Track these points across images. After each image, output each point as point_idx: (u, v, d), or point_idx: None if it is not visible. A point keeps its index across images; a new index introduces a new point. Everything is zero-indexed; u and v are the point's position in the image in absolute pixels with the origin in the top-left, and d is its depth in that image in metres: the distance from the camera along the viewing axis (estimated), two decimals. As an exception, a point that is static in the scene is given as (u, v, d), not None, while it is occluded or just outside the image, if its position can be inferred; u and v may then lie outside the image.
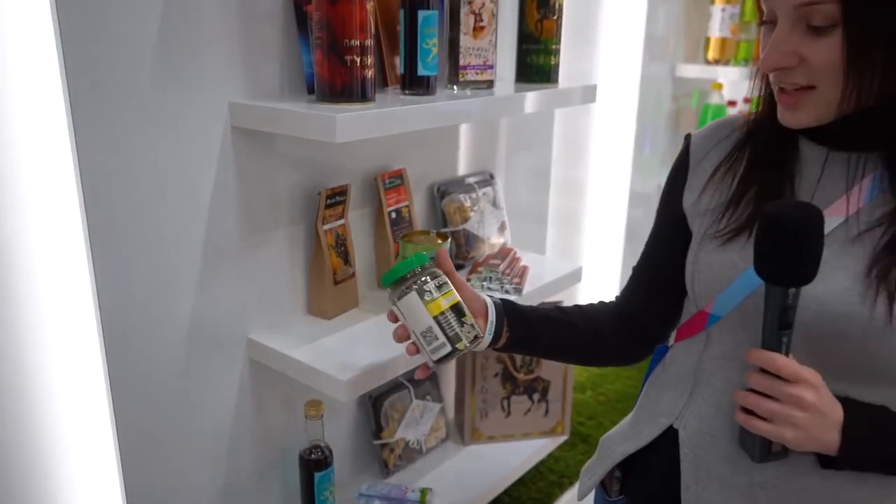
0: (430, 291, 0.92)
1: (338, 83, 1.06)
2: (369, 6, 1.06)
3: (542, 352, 1.05)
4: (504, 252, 1.61)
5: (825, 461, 0.79)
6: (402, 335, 0.96)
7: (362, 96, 1.08)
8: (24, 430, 1.07)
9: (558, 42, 1.45)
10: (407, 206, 1.47)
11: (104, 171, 1.01)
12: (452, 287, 0.94)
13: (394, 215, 1.44)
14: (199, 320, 1.18)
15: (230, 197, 1.18)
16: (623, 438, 0.98)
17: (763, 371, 0.76)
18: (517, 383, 1.72)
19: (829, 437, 0.76)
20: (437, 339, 0.91)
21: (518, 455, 1.72)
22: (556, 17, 1.43)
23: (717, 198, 0.88)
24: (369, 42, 1.07)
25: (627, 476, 0.99)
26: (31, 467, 1.09)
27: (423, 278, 0.92)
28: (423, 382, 1.64)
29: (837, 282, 0.76)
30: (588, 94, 1.55)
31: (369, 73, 1.08)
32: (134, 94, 1.02)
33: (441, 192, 1.58)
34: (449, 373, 1.77)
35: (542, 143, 1.92)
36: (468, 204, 1.60)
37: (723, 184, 0.88)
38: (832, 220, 0.77)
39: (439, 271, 0.95)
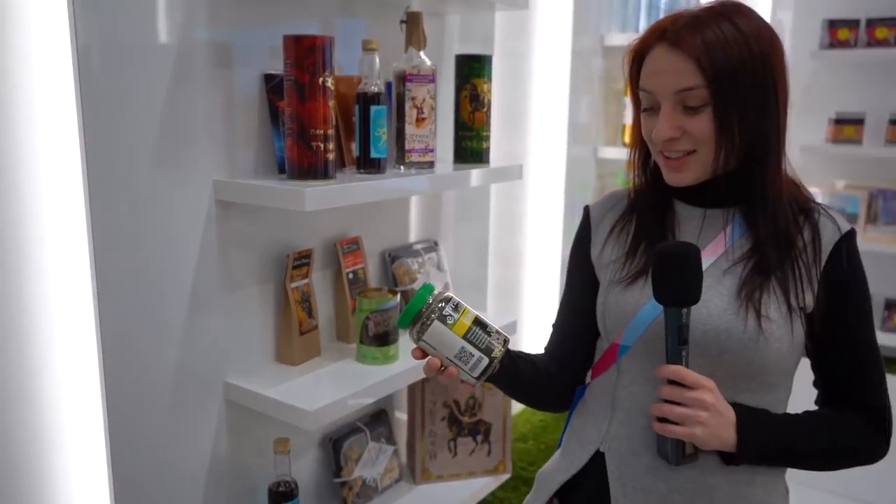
0: (450, 315, 0.93)
1: (305, 164, 1.31)
2: (331, 103, 1.32)
3: (516, 388, 1.10)
4: (447, 308, 1.85)
5: (727, 458, 0.96)
6: (435, 364, 0.95)
7: (325, 175, 1.33)
8: (29, 457, 1.24)
9: (488, 129, 1.74)
10: (363, 269, 1.71)
11: (111, 237, 1.23)
12: (465, 304, 0.97)
13: (351, 276, 1.67)
14: (183, 364, 1.38)
15: (213, 258, 1.40)
16: (557, 469, 1.10)
17: (670, 382, 0.92)
18: (462, 426, 1.92)
19: (728, 434, 0.92)
20: (472, 356, 0.93)
21: (465, 492, 1.91)
22: (485, 109, 1.72)
23: (616, 251, 1.08)
24: (331, 131, 1.33)
25: (564, 502, 1.10)
26: (33, 494, 1.25)
27: (440, 304, 0.94)
28: (378, 426, 1.83)
29: (716, 305, 0.95)
30: (515, 172, 1.84)
31: (331, 156, 1.34)
32: (137, 174, 1.25)
33: (392, 257, 1.82)
34: (402, 415, 1.97)
35: (480, 215, 2.19)
36: (415, 267, 1.85)
37: (619, 240, 1.09)
38: (707, 259, 0.99)
39: (449, 294, 0.97)
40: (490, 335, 0.94)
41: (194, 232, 1.36)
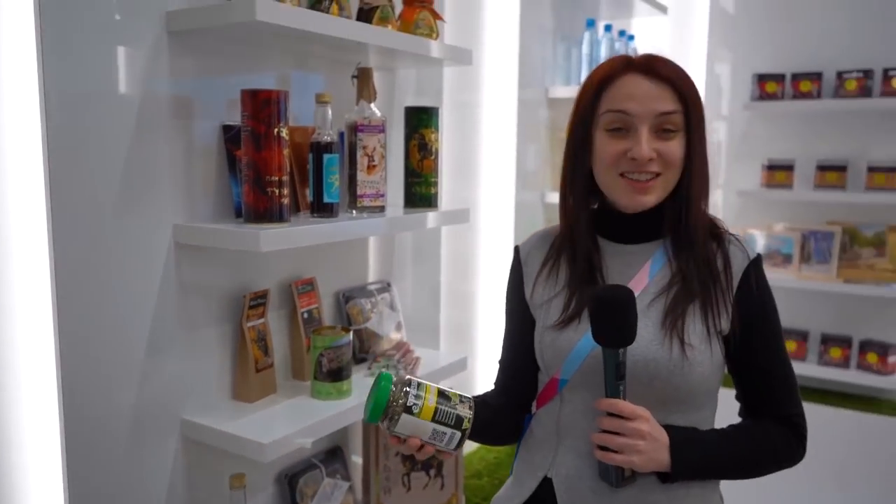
0: (415, 403, 0.96)
1: (261, 208, 1.40)
2: (285, 152, 1.42)
3: (478, 434, 1.12)
4: (399, 345, 1.93)
5: (663, 477, 1.04)
6: (415, 444, 0.99)
7: (280, 218, 1.42)
8: (-11, 497, 1.27)
9: (436, 176, 1.86)
10: (317, 308, 1.78)
11: (73, 278, 1.29)
12: (425, 382, 1.00)
13: (306, 315, 1.74)
14: (142, 402, 1.43)
15: (172, 299, 1.46)
16: (509, 496, 1.16)
17: (610, 414, 1.00)
18: (415, 460, 1.98)
19: (663, 456, 1.01)
20: (444, 433, 0.98)
21: (419, 527, 1.96)
22: (433, 157, 1.84)
23: (548, 291, 1.14)
24: (285, 178, 1.42)
25: None
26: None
27: (404, 392, 0.97)
28: (333, 463, 1.88)
29: (643, 337, 1.02)
30: (463, 215, 1.95)
31: (285, 201, 1.43)
32: (100, 218, 1.32)
33: (346, 297, 1.90)
34: (356, 453, 2.02)
35: (432, 257, 2.29)
36: (369, 307, 1.93)
37: (549, 280, 1.16)
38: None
39: (407, 377, 1.00)
40: (456, 407, 0.98)
41: (154, 274, 1.43)
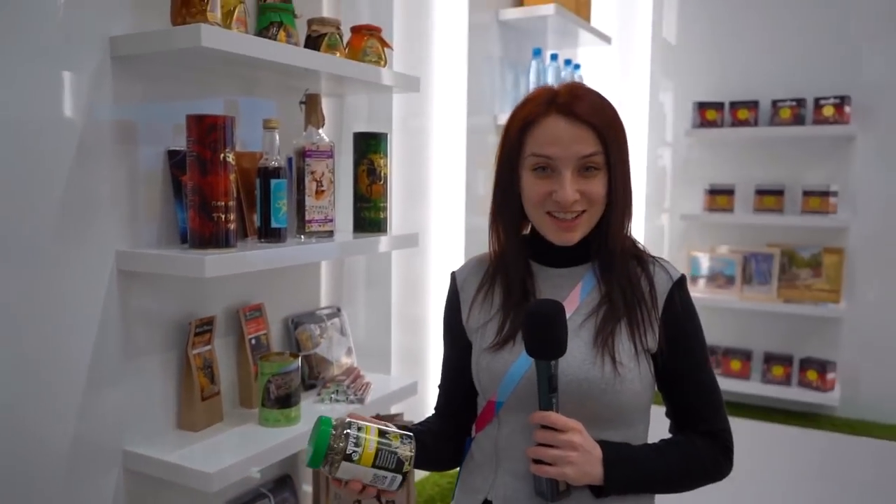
0: (354, 451, 0.96)
1: (206, 234, 1.39)
2: (232, 177, 1.41)
3: (423, 463, 1.16)
4: (350, 371, 1.92)
5: (597, 491, 1.06)
6: (356, 488, 1.01)
7: (226, 244, 1.41)
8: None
9: (385, 201, 1.87)
10: (265, 334, 1.77)
11: (10, 305, 1.26)
12: (365, 423, 1.00)
13: (254, 342, 1.73)
14: (81, 433, 1.39)
15: (115, 326, 1.43)
16: None
17: (543, 427, 1.02)
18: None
19: (596, 470, 1.03)
20: (385, 477, 0.99)
21: (370, 555, 1.93)
22: (382, 182, 1.85)
23: (483, 316, 1.18)
24: (232, 203, 1.41)
25: None
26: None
27: (342, 439, 0.97)
28: (282, 492, 1.85)
29: (575, 357, 1.06)
30: (412, 240, 1.96)
31: (231, 226, 1.42)
32: (40, 244, 1.30)
33: (295, 323, 1.89)
34: (306, 481, 1.99)
35: (382, 282, 2.29)
36: (318, 332, 1.92)
37: (485, 304, 1.19)
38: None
39: (347, 420, 1.00)
40: (397, 450, 0.99)
41: (96, 301, 1.40)
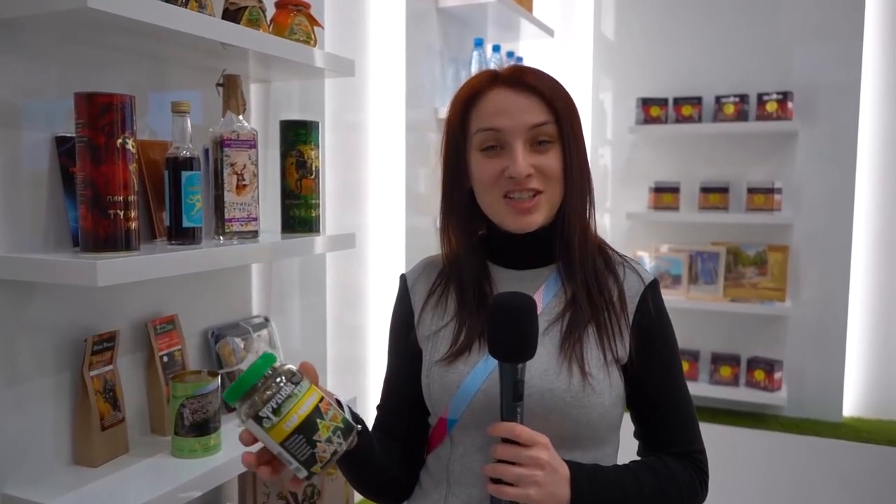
0: (268, 418, 0.78)
1: (101, 234, 1.17)
2: (132, 167, 1.20)
3: (368, 473, 1.03)
4: (279, 388, 1.71)
5: None
6: (251, 460, 0.83)
7: (126, 246, 1.19)
8: None
9: (317, 197, 1.67)
10: (180, 350, 1.54)
11: None
12: (306, 390, 0.82)
13: (166, 359, 1.50)
14: (-53, 477, 1.15)
15: (-12, 347, 1.19)
16: None
17: (505, 441, 0.89)
18: (300, 518, 1.76)
19: (563, 491, 0.90)
20: (291, 462, 0.81)
21: None
22: (313, 177, 1.65)
23: (436, 323, 1.05)
24: (132, 198, 1.20)
25: None
26: None
27: (268, 390, 0.80)
28: (202, 528, 1.63)
29: (537, 367, 0.95)
30: (348, 241, 1.77)
31: (133, 225, 1.20)
32: None
33: (216, 336, 1.67)
34: (230, 515, 1.77)
35: (316, 288, 2.09)
36: (243, 345, 1.70)
37: (437, 310, 1.06)
38: None
39: (293, 370, 0.83)
40: (316, 443, 0.80)
41: (-36, 317, 1.16)
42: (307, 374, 0.86)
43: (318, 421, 0.81)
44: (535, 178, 0.97)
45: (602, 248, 1.06)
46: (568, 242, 1.01)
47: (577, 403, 0.94)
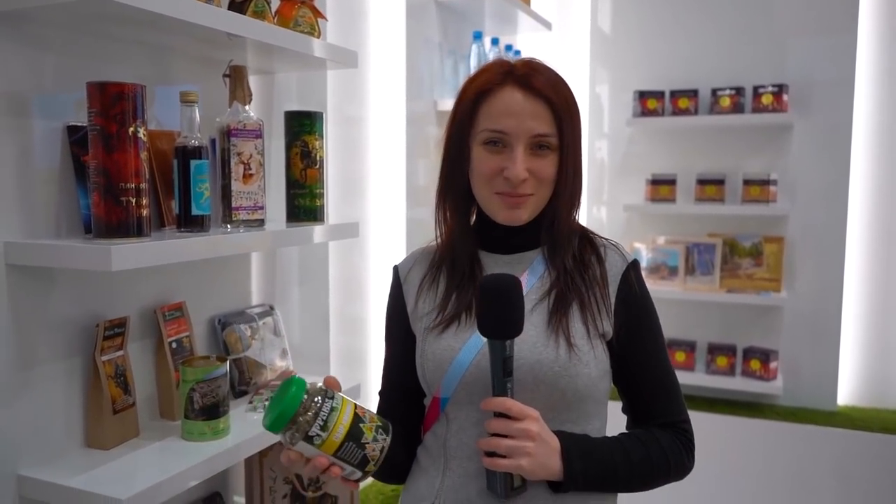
0: (318, 435, 0.85)
1: (114, 221, 1.19)
2: (143, 155, 1.22)
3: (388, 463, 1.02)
4: (285, 374, 1.74)
5: (554, 487, 0.98)
6: (322, 464, 0.89)
7: (138, 232, 1.22)
8: None
9: (322, 187, 1.70)
10: (188, 337, 1.57)
11: None
12: (340, 401, 0.89)
13: (175, 345, 1.53)
14: (-36, 458, 1.17)
15: (3, 331, 1.22)
16: None
17: (497, 415, 0.94)
18: (306, 502, 1.79)
19: (554, 462, 0.95)
20: (344, 469, 0.88)
21: (311, 576, 1.76)
22: (318, 167, 1.68)
23: (429, 304, 1.10)
24: (144, 185, 1.22)
25: None
26: None
27: (310, 411, 0.86)
28: (210, 512, 1.66)
29: (527, 341, 0.99)
30: (351, 230, 1.80)
31: (144, 212, 1.23)
32: None
33: (222, 323, 1.69)
34: (239, 496, 1.80)
35: (319, 278, 2.11)
36: (249, 333, 1.73)
37: (430, 293, 1.11)
38: None
39: (323, 387, 0.90)
40: (365, 445, 0.88)
41: (-21, 302, 1.19)
42: (332, 386, 0.94)
43: (361, 425, 0.89)
44: (528, 183, 1.01)
45: (584, 233, 1.11)
46: (553, 230, 1.06)
47: (565, 373, 0.98)
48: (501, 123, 1.01)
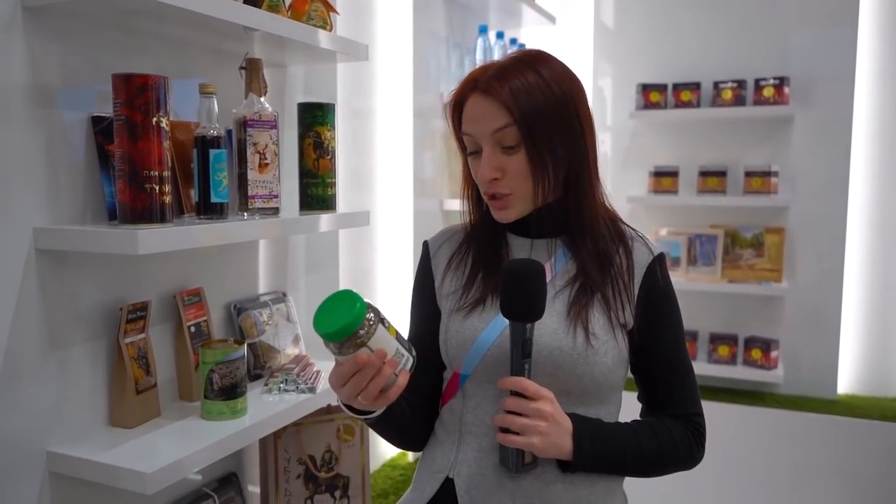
0: (385, 319, 0.92)
1: (138, 207, 1.24)
2: (166, 144, 1.27)
3: (402, 426, 1.11)
4: (298, 359, 1.80)
5: (564, 466, 1.02)
6: (383, 354, 0.91)
7: (161, 218, 1.27)
8: None
9: (334, 176, 1.75)
10: (206, 321, 1.62)
11: None
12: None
13: (193, 329, 1.58)
14: (-3, 434, 1.23)
15: (34, 313, 1.27)
16: (409, 500, 1.13)
17: (513, 394, 0.98)
18: (319, 482, 1.85)
19: (565, 442, 0.99)
20: (403, 355, 0.93)
21: (324, 554, 1.82)
22: (329, 157, 1.73)
23: (456, 283, 1.14)
24: (166, 173, 1.27)
25: None
26: None
27: (372, 316, 0.90)
28: (228, 491, 1.72)
29: (548, 327, 1.03)
30: (362, 218, 1.85)
31: (167, 199, 1.28)
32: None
33: (238, 309, 1.75)
34: (253, 477, 1.86)
35: (329, 266, 2.16)
36: (263, 318, 1.78)
37: (457, 272, 1.15)
38: None
39: (367, 301, 0.92)
40: (402, 342, 0.95)
41: (10, 285, 1.24)
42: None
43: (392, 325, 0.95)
44: (501, 182, 1.04)
45: (614, 221, 1.13)
46: (576, 216, 1.08)
47: (583, 361, 1.02)
48: (469, 128, 1.06)
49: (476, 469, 1.05)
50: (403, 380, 0.95)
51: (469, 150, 1.09)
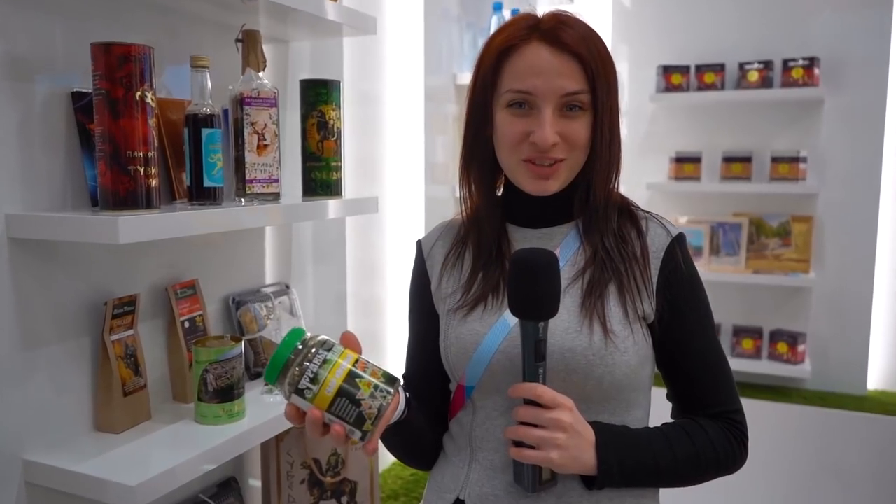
0: (308, 388, 0.79)
1: (121, 191, 1.12)
2: (152, 121, 1.15)
3: (413, 442, 1.02)
4: (302, 356, 1.67)
5: (588, 482, 0.90)
6: (315, 416, 0.80)
7: (147, 204, 1.14)
8: None
9: (339, 159, 1.62)
10: (201, 316, 1.50)
11: None
12: (339, 354, 0.81)
13: (187, 325, 1.46)
14: (-33, 442, 1.11)
15: (6, 309, 1.15)
16: None
17: (527, 402, 0.87)
18: (324, 488, 1.73)
19: (587, 455, 0.87)
20: (343, 427, 0.80)
21: (330, 564, 1.70)
22: (335, 138, 1.60)
23: (454, 283, 1.02)
24: (152, 154, 1.15)
25: None
26: None
27: (300, 363, 0.79)
28: (227, 497, 1.60)
29: (558, 325, 0.90)
30: (370, 204, 1.72)
31: (153, 182, 1.15)
32: None
33: (237, 303, 1.63)
34: (254, 481, 1.74)
35: (336, 256, 2.04)
36: (264, 313, 1.66)
37: (454, 271, 1.03)
38: None
39: (322, 339, 0.83)
40: (360, 402, 0.79)
41: (-19, 277, 1.12)
42: (349, 343, 0.85)
43: (358, 380, 0.80)
44: (559, 147, 0.92)
45: (625, 204, 1.01)
46: (588, 202, 0.97)
47: (601, 362, 0.90)
48: (527, 83, 0.91)
49: (488, 489, 0.94)
50: (390, 413, 0.83)
51: (510, 102, 0.93)
